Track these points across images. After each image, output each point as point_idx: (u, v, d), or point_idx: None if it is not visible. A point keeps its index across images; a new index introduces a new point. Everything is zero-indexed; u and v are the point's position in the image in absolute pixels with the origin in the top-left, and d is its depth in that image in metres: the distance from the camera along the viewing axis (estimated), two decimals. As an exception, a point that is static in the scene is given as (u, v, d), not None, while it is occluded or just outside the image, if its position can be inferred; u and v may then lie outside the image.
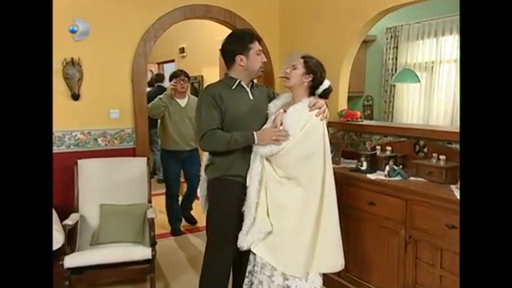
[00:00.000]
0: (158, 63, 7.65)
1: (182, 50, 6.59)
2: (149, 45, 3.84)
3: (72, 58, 3.58)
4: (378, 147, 3.30)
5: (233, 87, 2.60)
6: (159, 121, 4.66)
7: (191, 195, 4.92)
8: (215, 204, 2.68)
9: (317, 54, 3.93)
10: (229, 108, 2.54)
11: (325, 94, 2.64)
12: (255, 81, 2.77)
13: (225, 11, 4.16)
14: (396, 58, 5.92)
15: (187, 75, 4.58)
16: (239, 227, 2.56)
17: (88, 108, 3.68)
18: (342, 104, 3.85)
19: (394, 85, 5.91)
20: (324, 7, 3.95)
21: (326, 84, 2.63)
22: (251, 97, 2.65)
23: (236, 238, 2.56)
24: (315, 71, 2.60)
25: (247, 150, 2.56)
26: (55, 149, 3.58)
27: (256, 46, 2.59)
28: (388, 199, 2.84)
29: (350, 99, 6.39)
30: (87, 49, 3.63)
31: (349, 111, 3.76)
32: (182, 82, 4.50)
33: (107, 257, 2.99)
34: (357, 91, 6.36)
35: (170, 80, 4.54)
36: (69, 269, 2.97)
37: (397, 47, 5.91)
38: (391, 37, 5.94)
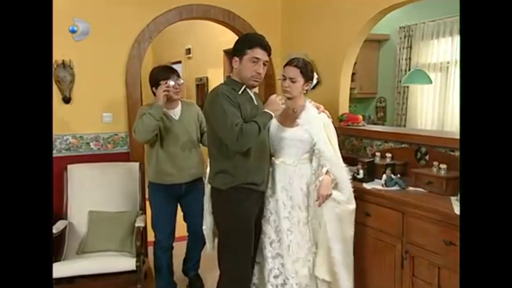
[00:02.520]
0: (166, 65, 7.58)
1: (188, 51, 6.50)
2: (143, 46, 3.74)
3: (63, 60, 3.49)
4: (378, 154, 3.11)
5: (240, 92, 2.48)
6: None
7: (196, 246, 3.40)
8: (231, 215, 2.49)
9: (318, 54, 3.81)
10: (242, 110, 2.43)
11: (314, 87, 2.73)
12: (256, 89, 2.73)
13: (224, 11, 4.02)
14: (410, 58, 5.68)
15: (179, 74, 3.20)
16: (255, 238, 2.57)
17: (80, 112, 3.59)
18: (343, 108, 3.66)
19: (408, 86, 5.67)
20: (326, 6, 3.78)
21: (315, 79, 2.68)
22: (255, 103, 2.56)
23: (254, 249, 2.57)
24: (311, 76, 2.63)
25: (263, 157, 2.53)
26: (46, 154, 3.50)
27: (253, 53, 2.42)
28: (384, 210, 2.66)
29: (362, 100, 6.26)
30: (78, 51, 3.54)
31: (350, 114, 3.57)
32: (177, 86, 3.09)
33: (88, 268, 2.88)
34: (370, 92, 6.17)
35: (157, 82, 3.03)
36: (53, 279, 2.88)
37: (411, 47, 5.67)
38: (405, 36, 5.70)
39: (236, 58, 2.47)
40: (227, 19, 4.02)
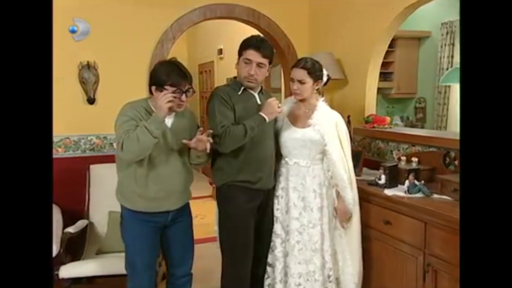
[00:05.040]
0: (199, 65, 7.59)
1: (220, 51, 6.49)
2: (166, 47, 3.71)
3: (88, 62, 3.54)
4: (404, 158, 2.92)
5: (239, 92, 2.51)
6: (117, 159, 2.49)
7: None
8: (225, 213, 2.56)
9: (344, 53, 3.67)
10: (238, 111, 2.47)
11: (326, 84, 2.72)
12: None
13: (249, 10, 3.93)
14: (452, 56, 5.39)
15: (191, 79, 2.35)
16: (253, 237, 2.55)
17: (104, 112, 3.59)
18: (370, 109, 3.49)
19: (449, 86, 5.36)
20: (352, 2, 3.63)
21: (325, 77, 2.64)
22: (259, 102, 2.55)
23: (251, 247, 2.55)
24: (320, 75, 2.60)
25: (257, 153, 2.50)
26: (71, 154, 3.57)
27: (246, 54, 2.44)
28: (405, 219, 2.50)
29: (400, 100, 6.01)
30: (102, 52, 3.56)
31: (377, 116, 3.39)
32: (183, 98, 2.28)
33: (103, 268, 2.88)
34: (408, 93, 5.92)
35: (161, 84, 2.25)
36: (69, 279, 2.90)
37: (453, 44, 5.38)
38: (447, 33, 5.42)
39: (238, 60, 2.52)
40: (252, 18, 3.94)
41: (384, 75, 5.75)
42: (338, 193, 2.59)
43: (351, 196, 2.56)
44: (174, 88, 2.23)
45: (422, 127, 5.66)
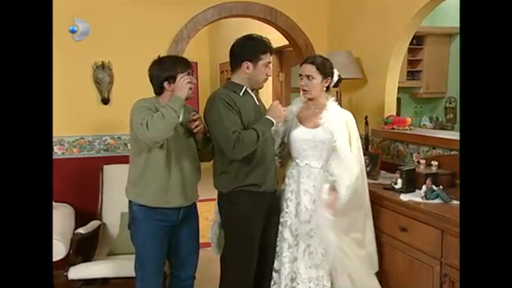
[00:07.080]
0: (220, 64, 7.52)
1: (239, 50, 6.40)
2: (181, 46, 3.67)
3: (102, 62, 3.54)
4: (423, 161, 2.76)
5: (241, 93, 2.44)
6: (134, 156, 2.52)
7: None
8: (231, 218, 2.49)
9: (363, 52, 3.53)
10: (243, 114, 2.39)
11: (336, 84, 2.63)
12: None
13: (266, 8, 3.83)
14: (486, 54, 5.11)
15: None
16: (258, 242, 2.47)
17: (118, 113, 3.57)
18: (390, 110, 3.33)
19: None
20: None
21: (336, 76, 2.56)
22: (257, 103, 2.52)
23: (256, 256, 2.47)
24: (330, 73, 2.52)
25: (263, 156, 2.43)
26: (85, 154, 3.58)
27: (267, 58, 2.42)
28: (422, 226, 2.35)
29: (429, 100, 5.76)
30: (117, 52, 3.56)
31: (397, 117, 3.23)
32: (194, 80, 2.41)
33: (111, 270, 2.86)
34: (438, 92, 5.66)
35: (172, 75, 2.36)
36: (80, 280, 2.89)
37: (487, 41, 5.09)
38: (480, 29, 5.14)
39: (248, 63, 2.39)
40: (269, 16, 3.84)
41: (412, 74, 5.53)
42: (333, 187, 2.42)
43: (345, 195, 2.38)
44: (186, 72, 2.36)
45: (452, 128, 5.42)
